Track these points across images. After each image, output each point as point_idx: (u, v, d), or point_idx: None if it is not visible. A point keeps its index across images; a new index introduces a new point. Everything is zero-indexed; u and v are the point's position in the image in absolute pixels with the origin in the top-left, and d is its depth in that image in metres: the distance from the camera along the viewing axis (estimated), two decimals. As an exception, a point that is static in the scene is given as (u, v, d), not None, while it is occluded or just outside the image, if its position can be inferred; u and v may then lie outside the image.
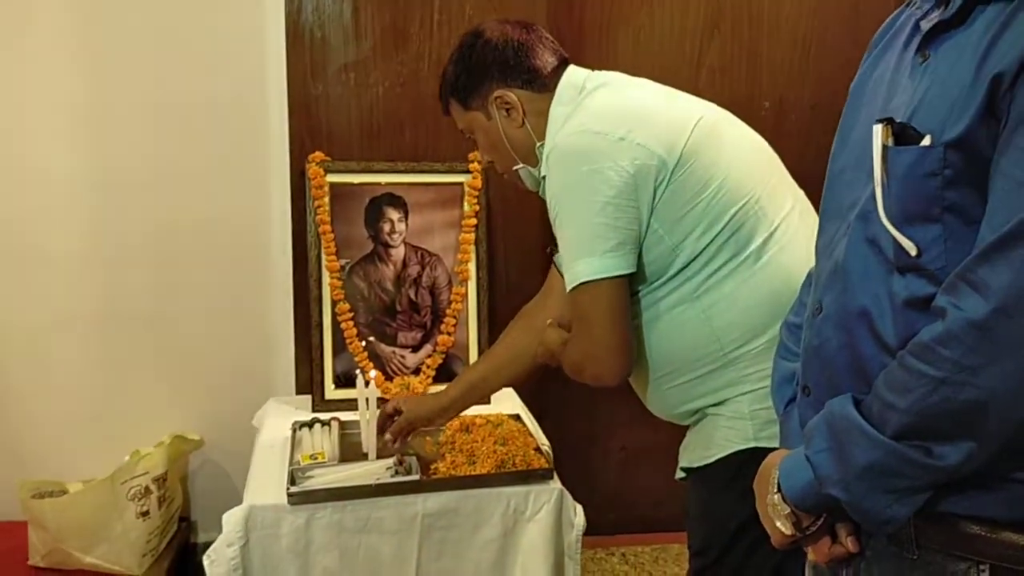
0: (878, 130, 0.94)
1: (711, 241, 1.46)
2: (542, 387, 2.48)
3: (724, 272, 1.47)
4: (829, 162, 1.14)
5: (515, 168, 1.65)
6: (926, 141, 0.90)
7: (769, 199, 1.49)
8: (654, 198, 1.44)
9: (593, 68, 1.61)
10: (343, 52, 2.24)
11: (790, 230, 1.50)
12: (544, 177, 1.56)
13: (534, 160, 1.62)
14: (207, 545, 1.77)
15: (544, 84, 1.58)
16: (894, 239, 0.93)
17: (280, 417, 2.19)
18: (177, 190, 2.31)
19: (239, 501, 1.81)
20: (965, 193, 0.89)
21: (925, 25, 0.98)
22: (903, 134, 0.93)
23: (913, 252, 0.92)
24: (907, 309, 0.93)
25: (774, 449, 1.37)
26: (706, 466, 1.54)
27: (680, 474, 1.64)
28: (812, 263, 1.46)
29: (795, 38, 2.53)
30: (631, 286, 1.49)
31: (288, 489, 1.76)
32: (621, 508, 2.78)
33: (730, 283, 1.47)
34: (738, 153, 1.51)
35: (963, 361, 0.85)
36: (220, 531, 1.76)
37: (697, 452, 1.57)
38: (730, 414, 1.51)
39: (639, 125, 1.46)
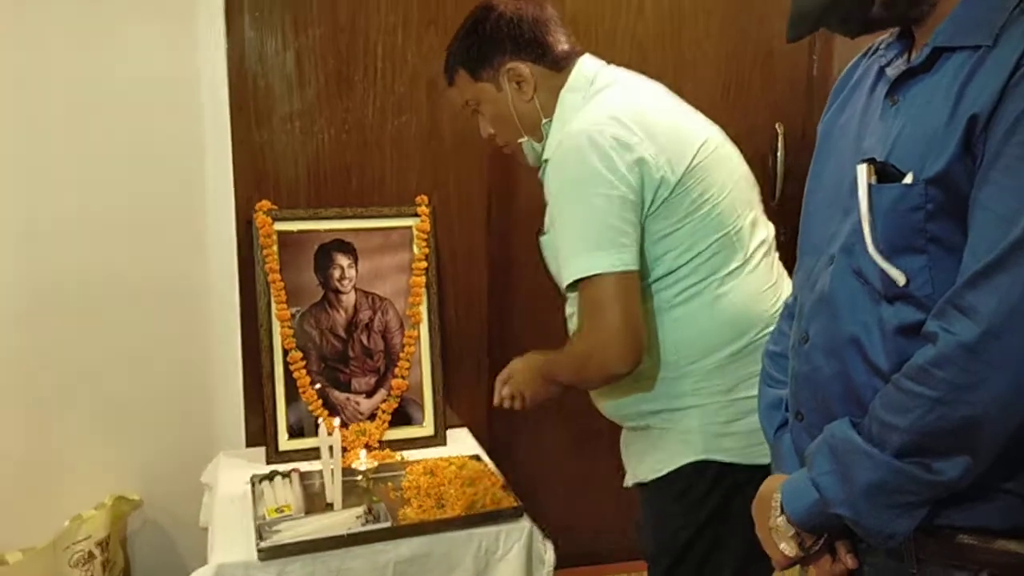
0: (863, 169, 1.01)
1: (689, 260, 1.51)
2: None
3: (693, 292, 1.53)
4: (804, 201, 1.22)
5: (519, 141, 1.67)
6: (908, 179, 0.98)
7: (749, 229, 1.56)
8: (649, 209, 1.49)
9: None
10: (287, 100, 2.23)
11: (754, 261, 1.56)
12: (546, 160, 1.58)
13: (539, 135, 1.64)
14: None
15: (556, 62, 1.61)
16: (882, 270, 1.00)
17: (234, 471, 2.14)
18: (108, 241, 2.25)
19: (181, 560, 1.76)
20: (946, 225, 0.96)
21: (892, 72, 1.07)
22: (884, 172, 1.00)
23: (901, 281, 0.99)
24: (898, 336, 1.00)
25: (722, 463, 1.44)
26: (657, 479, 1.59)
27: (629, 483, 1.69)
28: (766, 296, 1.55)
29: (717, 80, 2.65)
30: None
31: (258, 544, 1.73)
32: (567, 542, 2.81)
33: (696, 302, 1.53)
34: (731, 181, 1.57)
35: (957, 381, 0.92)
36: None
37: (648, 465, 1.61)
38: (681, 429, 1.57)
39: (649, 137, 1.49)
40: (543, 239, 1.65)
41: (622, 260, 1.45)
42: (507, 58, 1.61)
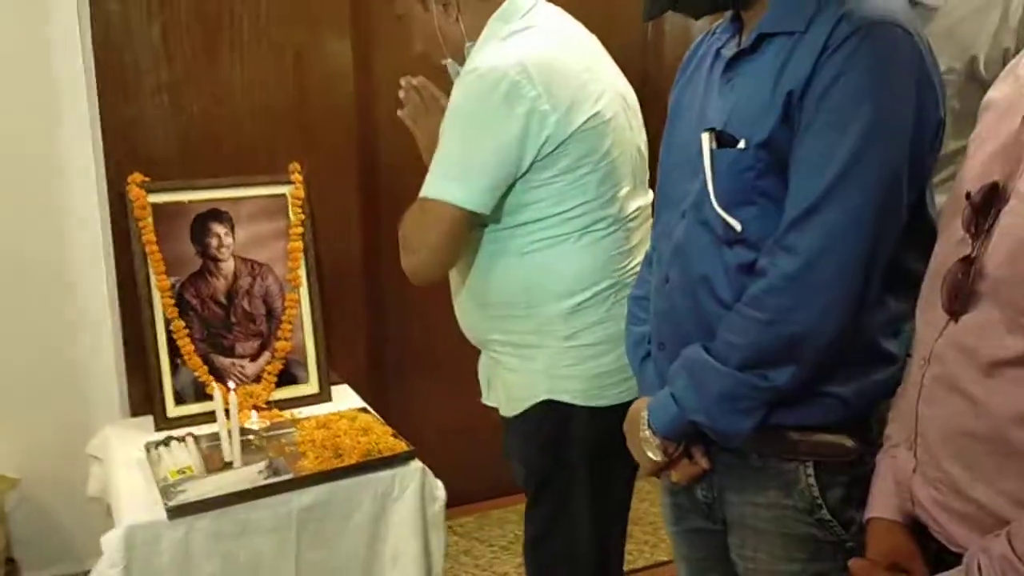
0: (705, 137, 1.22)
1: (556, 215, 1.61)
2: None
3: (551, 242, 1.63)
4: (659, 165, 1.43)
5: (443, 62, 1.72)
6: (741, 144, 1.19)
7: (624, 199, 1.67)
8: (534, 159, 1.56)
9: None
10: (155, 74, 2.25)
11: (618, 226, 1.66)
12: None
13: (462, 58, 1.68)
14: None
15: None
16: (723, 220, 1.21)
17: (125, 440, 2.18)
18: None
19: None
20: (772, 182, 1.18)
21: (727, 53, 1.28)
22: (723, 139, 1.21)
23: (738, 228, 1.20)
24: (738, 273, 1.21)
25: (567, 404, 1.63)
26: (515, 416, 1.72)
27: (490, 403, 1.82)
28: (619, 257, 1.69)
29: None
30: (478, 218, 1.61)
31: (166, 504, 1.81)
32: (451, 484, 2.99)
33: (552, 252, 1.63)
34: (616, 151, 1.64)
35: (783, 304, 1.14)
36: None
37: (506, 404, 1.75)
38: (528, 369, 1.68)
39: (548, 93, 1.54)
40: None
41: (472, 200, 1.55)
42: None
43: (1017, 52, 1.44)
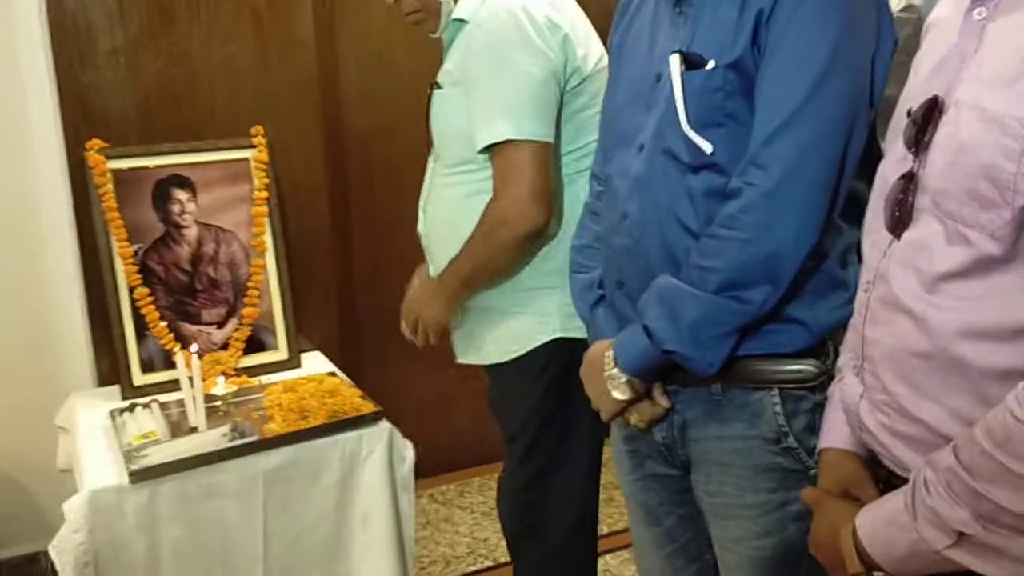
0: (675, 59, 1.20)
1: (575, 150, 1.67)
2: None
3: (570, 180, 1.68)
4: (604, 104, 1.41)
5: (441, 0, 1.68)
6: (710, 65, 1.17)
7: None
8: (563, 91, 1.62)
9: None
10: (110, 36, 2.21)
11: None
12: (460, 20, 1.64)
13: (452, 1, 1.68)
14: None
15: None
16: (693, 143, 1.19)
17: (91, 409, 2.16)
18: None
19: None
20: (740, 103, 1.17)
21: None
22: (691, 62, 1.19)
23: (709, 150, 1.18)
24: (705, 199, 1.20)
25: (579, 339, 1.60)
26: (514, 359, 1.72)
27: (471, 361, 1.82)
28: None
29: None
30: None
31: (129, 468, 1.79)
32: (422, 454, 2.99)
33: (571, 190, 1.68)
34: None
35: (761, 221, 1.13)
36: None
37: (501, 347, 1.75)
38: (536, 311, 1.71)
39: (576, 27, 1.62)
40: (438, 92, 1.71)
41: (544, 131, 1.56)
42: None
43: None
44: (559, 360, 1.70)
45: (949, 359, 0.92)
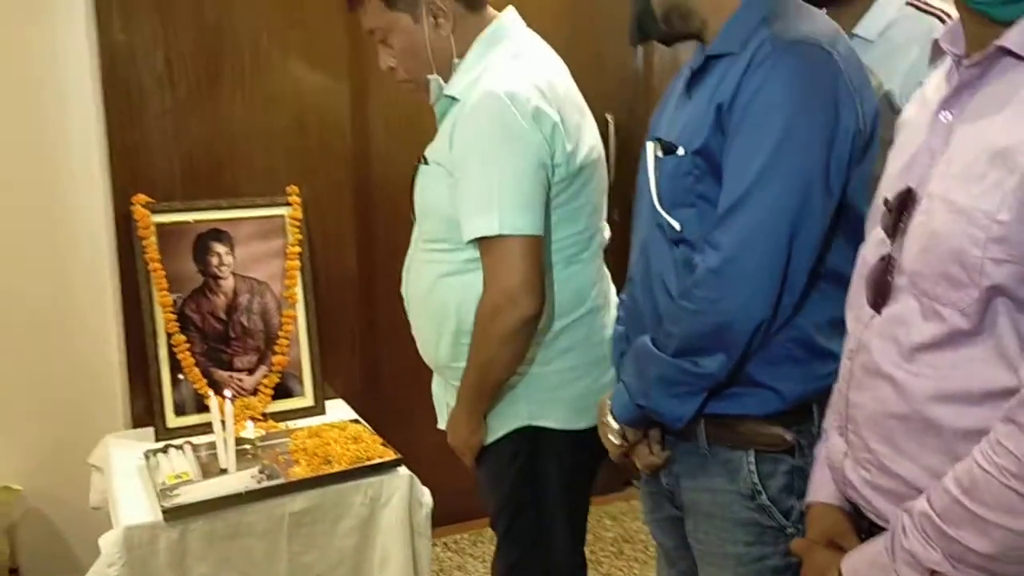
0: (651, 146, 1.35)
1: (550, 244, 1.62)
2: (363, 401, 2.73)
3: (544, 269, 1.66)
4: (637, 183, 1.54)
5: (429, 77, 1.68)
6: (680, 151, 1.30)
7: (599, 232, 1.74)
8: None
9: None
10: (160, 99, 2.37)
11: (594, 259, 1.72)
12: (451, 97, 1.64)
13: (448, 74, 1.66)
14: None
15: (474, 4, 1.65)
16: (668, 221, 1.32)
17: (125, 449, 2.27)
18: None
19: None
20: (709, 186, 1.28)
21: (687, 72, 1.39)
22: (667, 148, 1.33)
23: (678, 228, 1.31)
24: (683, 269, 1.32)
25: (547, 428, 1.69)
26: (488, 445, 1.72)
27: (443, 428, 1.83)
28: (591, 287, 1.75)
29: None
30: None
31: (162, 507, 1.89)
32: (438, 503, 3.06)
33: (545, 278, 1.64)
34: (599, 190, 1.71)
35: (708, 296, 1.24)
36: None
37: None
38: (504, 400, 1.68)
39: (566, 117, 1.58)
40: (423, 168, 1.69)
41: (531, 224, 1.53)
42: None
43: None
44: (529, 450, 1.69)
45: (924, 421, 1.02)
